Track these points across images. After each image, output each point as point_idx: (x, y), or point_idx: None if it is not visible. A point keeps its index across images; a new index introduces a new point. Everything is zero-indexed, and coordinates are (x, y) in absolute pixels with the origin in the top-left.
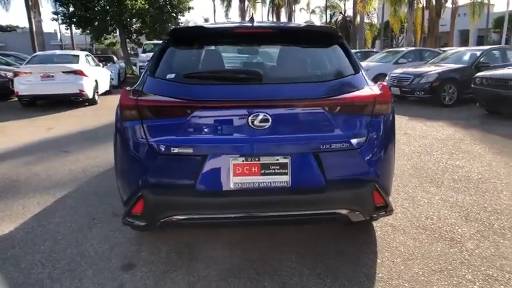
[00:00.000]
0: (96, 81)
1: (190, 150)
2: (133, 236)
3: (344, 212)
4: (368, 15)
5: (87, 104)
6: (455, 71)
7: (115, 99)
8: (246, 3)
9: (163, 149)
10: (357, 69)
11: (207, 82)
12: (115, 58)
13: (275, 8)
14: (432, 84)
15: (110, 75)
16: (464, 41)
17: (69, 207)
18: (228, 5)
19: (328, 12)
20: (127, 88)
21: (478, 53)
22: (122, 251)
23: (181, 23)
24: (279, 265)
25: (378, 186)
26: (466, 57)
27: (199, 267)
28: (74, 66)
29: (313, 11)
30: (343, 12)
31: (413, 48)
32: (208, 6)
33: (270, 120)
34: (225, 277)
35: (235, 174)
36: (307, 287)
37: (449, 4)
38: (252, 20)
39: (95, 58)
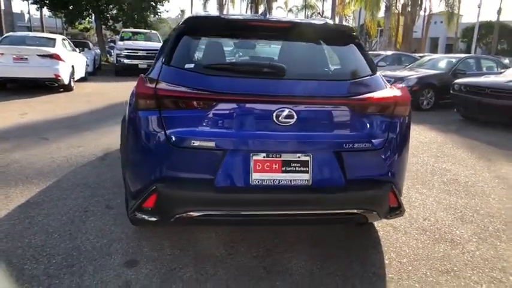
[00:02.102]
0: (72, 66)
1: (211, 144)
2: (131, 231)
3: (363, 212)
4: (345, 17)
5: (61, 90)
6: (433, 77)
7: (92, 87)
8: None
9: (182, 142)
10: (374, 69)
11: (230, 74)
12: (91, 44)
13: (253, 4)
14: (412, 88)
15: (86, 62)
16: (433, 48)
17: (57, 199)
18: None
19: (306, 11)
20: (142, 75)
21: (455, 61)
22: (121, 246)
23: (161, 12)
24: (288, 264)
25: (394, 188)
26: (443, 64)
27: (206, 265)
28: (50, 50)
29: (290, 10)
30: (321, 13)
31: (392, 52)
32: None
33: (295, 117)
34: (234, 276)
35: (256, 170)
36: (319, 286)
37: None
38: (265, 13)
39: (71, 43)
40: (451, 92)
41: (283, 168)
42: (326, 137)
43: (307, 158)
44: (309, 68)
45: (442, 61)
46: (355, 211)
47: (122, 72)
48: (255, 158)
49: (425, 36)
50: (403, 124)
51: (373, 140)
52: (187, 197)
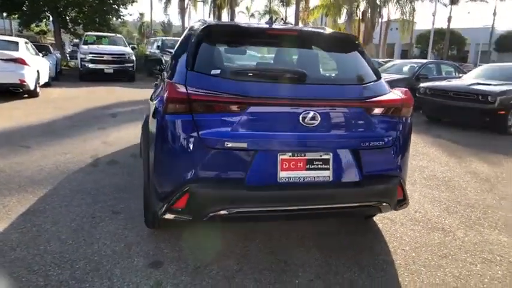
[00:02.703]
0: (37, 71)
1: (242, 145)
2: (146, 234)
3: (377, 204)
4: (308, 24)
5: (26, 95)
6: (398, 81)
7: (58, 92)
8: (186, 1)
9: (215, 143)
10: (378, 75)
11: (257, 79)
12: (51, 48)
13: (216, 9)
14: None
15: (49, 66)
16: (390, 54)
17: (59, 206)
18: (168, 2)
19: (268, 17)
20: (170, 81)
21: (417, 66)
22: (141, 249)
23: (123, 16)
24: (304, 257)
25: (402, 181)
26: (406, 69)
27: (229, 262)
28: (14, 54)
29: (252, 15)
30: (284, 19)
31: None
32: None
33: (319, 118)
34: (258, 270)
35: (283, 169)
36: (339, 276)
37: (381, 19)
38: (270, 21)
39: (33, 47)
40: (417, 95)
41: (307, 166)
42: (344, 137)
43: (328, 156)
44: (323, 73)
45: (406, 66)
46: (370, 203)
47: (86, 77)
48: (281, 157)
49: (384, 42)
50: (407, 124)
51: (384, 139)
52: (220, 196)
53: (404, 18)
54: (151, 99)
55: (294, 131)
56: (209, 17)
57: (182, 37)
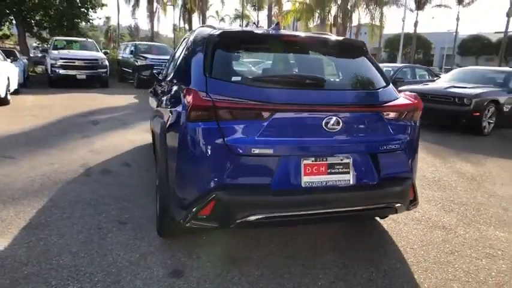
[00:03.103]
0: (8, 78)
1: (269, 151)
2: (158, 243)
3: (393, 205)
4: (282, 28)
5: None
6: None
7: (30, 100)
8: (155, 4)
9: (242, 150)
10: (387, 80)
11: (280, 86)
12: (18, 54)
13: (187, 13)
14: None
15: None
16: None
17: (61, 218)
18: (136, 5)
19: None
20: (190, 88)
21: (392, 70)
22: (157, 259)
23: (93, 19)
24: (321, 259)
25: (413, 182)
26: None
27: (249, 267)
28: None
29: (222, 19)
30: (256, 23)
31: None
32: (111, 3)
33: (340, 123)
34: (280, 274)
35: (306, 173)
36: (358, 276)
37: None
38: (277, 27)
39: (1, 52)
40: None
41: (329, 170)
42: (364, 141)
43: (348, 160)
44: (339, 79)
45: None
46: (388, 205)
47: (56, 83)
48: (305, 162)
49: None
50: (417, 127)
51: (399, 142)
52: (248, 202)
53: (373, 23)
54: (160, 106)
55: (317, 136)
56: (179, 21)
57: (189, 42)
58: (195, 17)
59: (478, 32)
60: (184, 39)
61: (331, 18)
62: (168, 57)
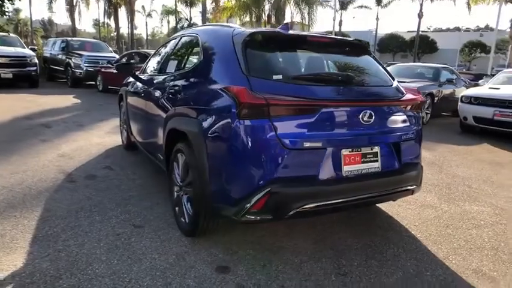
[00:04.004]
0: None
1: (317, 144)
2: (188, 243)
3: (411, 187)
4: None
5: None
6: None
7: None
8: None
9: (294, 145)
10: (393, 77)
11: (320, 83)
12: None
13: (112, 7)
14: None
15: None
16: None
17: (69, 228)
18: None
19: (171, 17)
20: (240, 87)
21: None
22: (196, 257)
23: (9, 12)
24: (348, 242)
25: (422, 167)
26: None
27: (287, 255)
28: None
29: (149, 14)
30: (188, 20)
31: None
32: None
33: (373, 116)
34: (318, 259)
35: (345, 163)
36: (385, 254)
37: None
38: (286, 26)
39: None
40: None
41: (362, 160)
42: (388, 131)
43: (376, 150)
44: (360, 76)
45: None
46: (408, 187)
47: None
48: (344, 153)
49: None
50: (421, 118)
51: (413, 131)
52: (301, 193)
53: (303, 21)
54: (182, 105)
55: (355, 129)
56: (104, 16)
57: (202, 40)
58: (122, 12)
59: (394, 31)
60: (181, 36)
61: (264, 16)
62: (108, 54)
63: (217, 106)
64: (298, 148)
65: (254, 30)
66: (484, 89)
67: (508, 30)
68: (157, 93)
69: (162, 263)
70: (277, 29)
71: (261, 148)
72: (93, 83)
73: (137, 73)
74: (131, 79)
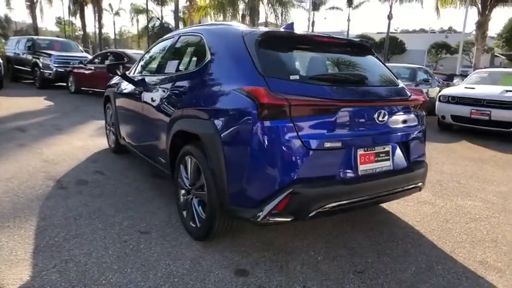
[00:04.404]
0: None
1: (336, 144)
2: (200, 247)
3: (419, 184)
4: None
5: None
6: None
7: None
8: None
9: (315, 145)
10: (396, 77)
11: (337, 84)
12: None
13: (77, 5)
14: None
15: None
16: None
17: (71, 237)
18: None
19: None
20: (260, 87)
21: None
22: (211, 261)
23: None
24: (358, 240)
25: (426, 164)
26: None
27: (303, 255)
28: None
29: (117, 13)
30: (160, 19)
31: None
32: None
33: (387, 116)
34: (332, 257)
35: (361, 162)
36: (395, 249)
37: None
38: (291, 25)
39: None
40: None
41: (376, 159)
42: (399, 131)
43: (388, 148)
44: (370, 76)
45: None
46: (416, 185)
47: None
48: (360, 152)
49: None
50: (424, 117)
51: (419, 130)
52: (323, 193)
53: (277, 22)
54: (190, 107)
55: (370, 129)
56: (69, 14)
57: (207, 40)
58: (88, 10)
59: (363, 32)
60: (179, 36)
61: (239, 16)
62: (78, 54)
63: (235, 107)
64: (318, 148)
65: (264, 29)
66: (460, 89)
67: (474, 32)
68: (157, 95)
69: (179, 269)
70: (282, 29)
71: (282, 149)
72: (64, 84)
73: (127, 73)
74: (119, 80)
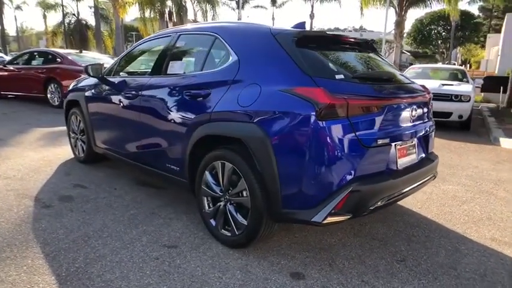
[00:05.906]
0: None
1: (387, 141)
2: (240, 254)
3: (435, 173)
4: (108, 22)
5: None
6: None
7: None
8: None
9: (370, 142)
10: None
11: (375, 82)
12: None
13: None
14: None
15: None
16: None
17: (92, 260)
18: None
19: (51, 12)
20: (317, 88)
21: None
22: (262, 269)
23: None
24: (384, 231)
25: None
26: None
27: (345, 251)
28: None
29: (18, 7)
30: (76, 15)
31: None
32: None
33: (417, 112)
34: (370, 251)
35: (399, 156)
36: (412, 242)
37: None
38: (302, 24)
39: None
40: None
41: (407, 152)
42: (422, 124)
43: (414, 142)
44: (396, 75)
45: None
46: (434, 174)
47: None
48: (398, 147)
49: None
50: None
51: (432, 124)
52: (379, 189)
53: (205, 20)
54: (229, 109)
55: (407, 124)
56: None
57: (236, 39)
58: None
59: None
60: (179, 35)
61: (166, 15)
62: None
63: (286, 109)
64: (373, 146)
65: (295, 30)
66: None
67: (393, 32)
68: (163, 98)
69: (233, 281)
70: (293, 28)
71: (342, 148)
72: None
73: (106, 76)
74: (90, 82)
